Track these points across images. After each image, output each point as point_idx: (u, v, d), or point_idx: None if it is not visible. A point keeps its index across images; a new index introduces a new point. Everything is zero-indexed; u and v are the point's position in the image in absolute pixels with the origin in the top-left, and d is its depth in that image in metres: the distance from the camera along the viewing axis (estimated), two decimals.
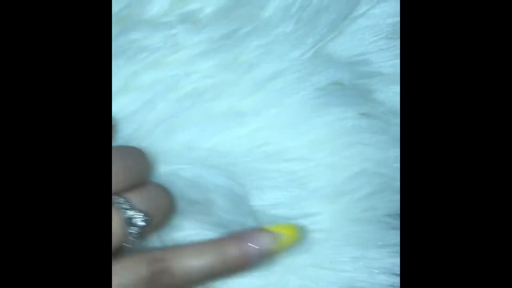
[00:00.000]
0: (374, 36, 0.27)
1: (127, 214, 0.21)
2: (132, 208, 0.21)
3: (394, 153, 0.26)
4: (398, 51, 0.27)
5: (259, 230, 0.24)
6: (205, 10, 0.27)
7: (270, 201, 0.26)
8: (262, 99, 0.26)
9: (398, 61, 0.27)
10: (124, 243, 0.21)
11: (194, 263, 0.22)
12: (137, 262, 0.22)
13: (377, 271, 0.25)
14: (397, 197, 0.26)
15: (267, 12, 0.27)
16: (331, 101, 0.26)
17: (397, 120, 0.26)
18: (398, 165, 0.26)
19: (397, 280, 0.25)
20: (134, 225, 0.21)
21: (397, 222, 0.26)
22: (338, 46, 0.27)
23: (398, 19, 0.27)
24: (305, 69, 0.26)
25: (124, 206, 0.21)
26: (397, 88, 0.27)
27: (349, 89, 0.27)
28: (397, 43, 0.27)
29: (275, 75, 0.26)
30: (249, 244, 0.23)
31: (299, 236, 0.24)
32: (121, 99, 0.26)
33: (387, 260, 0.25)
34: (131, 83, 0.26)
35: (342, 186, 0.26)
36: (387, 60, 0.27)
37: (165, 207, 0.23)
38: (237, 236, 0.23)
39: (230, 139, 0.26)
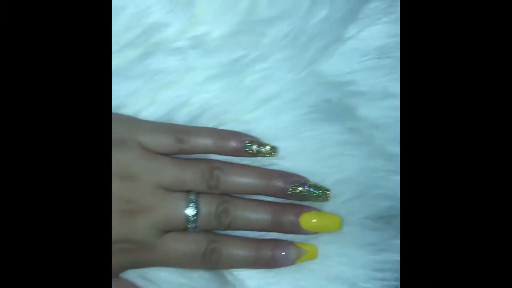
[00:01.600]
0: (362, 57, 0.30)
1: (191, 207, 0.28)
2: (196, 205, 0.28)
3: (373, 163, 0.29)
4: (383, 70, 0.30)
5: (290, 243, 0.29)
6: (213, 34, 0.30)
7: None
8: (262, 115, 0.30)
9: (382, 79, 0.30)
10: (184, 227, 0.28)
11: (238, 252, 0.28)
12: (199, 238, 0.28)
13: (358, 266, 0.29)
14: (374, 202, 0.29)
15: (267, 39, 0.30)
16: (320, 117, 0.30)
17: (378, 134, 0.30)
18: (377, 174, 0.29)
19: (374, 274, 0.29)
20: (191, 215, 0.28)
21: (375, 224, 0.29)
22: (328, 66, 0.30)
23: (385, 41, 0.30)
24: (298, 90, 0.30)
25: (194, 200, 0.28)
26: (379, 104, 0.30)
27: (336, 106, 0.30)
28: (382, 62, 0.30)
29: (273, 96, 0.30)
30: (280, 252, 0.28)
31: (316, 256, 0.29)
32: (143, 113, 0.30)
33: (367, 257, 0.29)
34: (151, 100, 0.30)
35: None
36: (372, 79, 0.30)
37: None
38: (274, 242, 0.29)
39: None
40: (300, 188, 0.29)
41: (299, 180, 0.29)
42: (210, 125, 0.30)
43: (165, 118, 0.30)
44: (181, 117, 0.30)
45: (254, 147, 0.29)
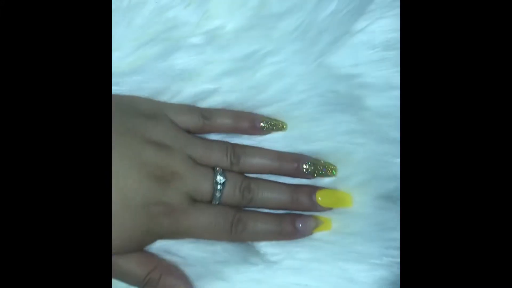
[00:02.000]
0: (369, 50, 0.32)
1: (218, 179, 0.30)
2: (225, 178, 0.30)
3: (380, 148, 0.32)
4: (388, 63, 0.32)
5: (307, 215, 0.32)
6: (226, 27, 0.32)
7: None
8: (275, 106, 0.32)
9: (387, 71, 0.32)
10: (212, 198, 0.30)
11: (262, 224, 0.31)
12: (226, 209, 0.30)
13: (370, 241, 0.31)
14: (383, 183, 0.32)
15: (277, 33, 0.32)
16: (330, 108, 0.32)
17: (382, 121, 0.32)
18: (384, 158, 0.31)
19: (385, 251, 0.31)
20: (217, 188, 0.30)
21: (385, 204, 0.32)
22: (337, 58, 0.32)
23: (392, 35, 0.32)
24: (308, 81, 0.32)
25: (221, 172, 0.30)
26: (384, 94, 0.32)
27: (344, 97, 0.32)
28: (387, 55, 0.32)
29: (286, 90, 0.32)
30: (299, 223, 0.31)
31: (330, 226, 0.32)
32: None
33: (378, 234, 0.31)
34: (172, 95, 0.32)
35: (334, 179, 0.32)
36: (378, 70, 0.32)
37: None
38: (293, 215, 0.31)
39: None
40: (306, 167, 0.32)
41: (310, 160, 0.32)
42: None
43: None
44: None
45: (267, 124, 0.32)
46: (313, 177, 0.32)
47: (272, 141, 0.33)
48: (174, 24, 0.32)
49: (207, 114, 0.31)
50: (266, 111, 0.33)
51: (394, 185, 0.32)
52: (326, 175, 0.32)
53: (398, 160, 0.31)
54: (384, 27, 0.32)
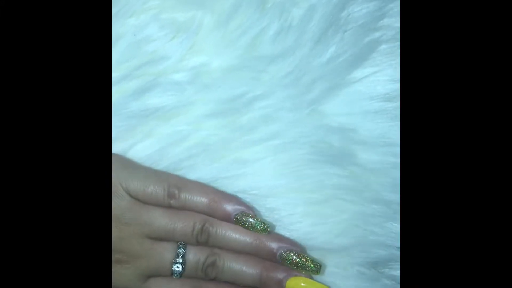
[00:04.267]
0: (366, 101, 0.29)
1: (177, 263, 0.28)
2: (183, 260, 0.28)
3: (369, 209, 0.29)
4: (385, 116, 0.29)
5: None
6: (212, 64, 0.30)
7: None
8: (261, 153, 0.29)
9: (384, 124, 0.29)
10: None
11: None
12: (183, 286, 0.28)
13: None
14: (369, 249, 0.29)
15: (268, 76, 0.30)
16: (320, 158, 0.29)
17: (374, 179, 0.29)
18: (373, 220, 0.29)
19: None
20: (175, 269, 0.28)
21: (370, 272, 0.29)
22: (331, 107, 0.30)
23: (392, 86, 0.29)
24: (298, 130, 0.29)
25: (182, 254, 0.28)
26: (379, 150, 0.29)
27: (337, 149, 0.29)
28: (386, 106, 0.29)
29: (273, 135, 0.29)
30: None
31: None
32: (139, 145, 0.30)
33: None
34: (146, 134, 0.30)
35: (318, 236, 0.29)
36: (374, 123, 0.29)
37: None
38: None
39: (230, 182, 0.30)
40: (294, 257, 0.28)
41: (294, 249, 0.28)
42: (207, 162, 0.30)
43: (159, 153, 0.30)
44: (176, 153, 0.30)
45: (246, 219, 0.28)
46: (293, 267, 0.28)
47: None
48: (153, 59, 0.30)
49: (176, 189, 0.28)
50: (249, 157, 0.30)
51: (382, 252, 0.29)
52: (308, 272, 0.28)
53: (389, 224, 0.29)
54: (384, 77, 0.30)
